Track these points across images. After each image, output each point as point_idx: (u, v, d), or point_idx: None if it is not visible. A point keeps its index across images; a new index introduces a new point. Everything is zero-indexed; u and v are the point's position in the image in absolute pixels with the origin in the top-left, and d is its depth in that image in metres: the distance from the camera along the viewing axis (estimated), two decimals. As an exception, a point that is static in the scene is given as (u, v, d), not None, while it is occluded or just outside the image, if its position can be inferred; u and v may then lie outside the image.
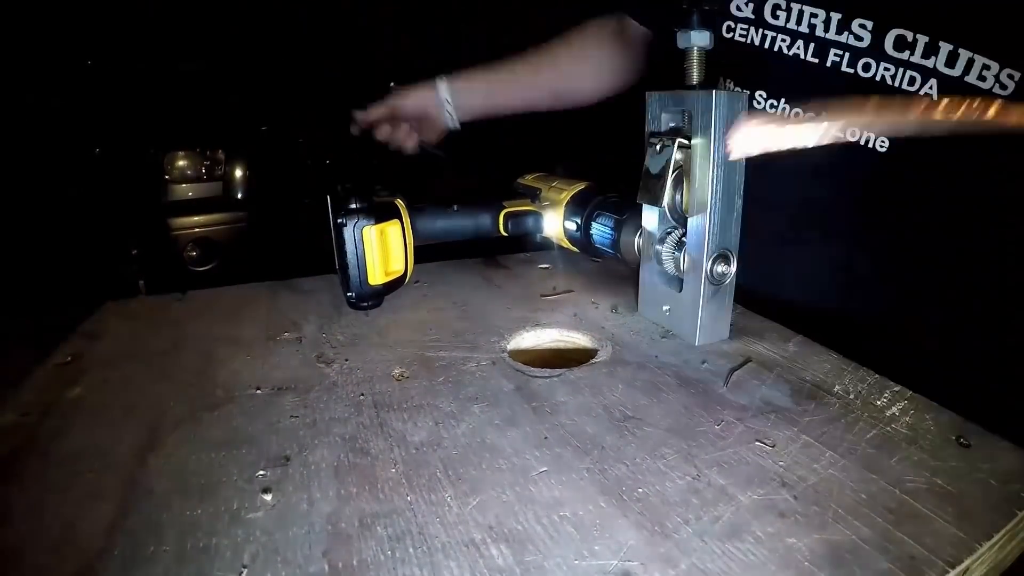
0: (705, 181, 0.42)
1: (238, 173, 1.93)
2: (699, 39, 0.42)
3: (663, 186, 0.43)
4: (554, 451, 0.32)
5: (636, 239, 0.50)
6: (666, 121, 0.45)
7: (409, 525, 0.27)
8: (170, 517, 0.28)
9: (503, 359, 0.43)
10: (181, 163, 1.89)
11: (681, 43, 0.43)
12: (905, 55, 0.45)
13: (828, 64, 0.49)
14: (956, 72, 0.43)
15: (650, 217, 0.47)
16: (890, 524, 0.26)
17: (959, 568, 0.24)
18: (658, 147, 0.43)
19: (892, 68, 0.46)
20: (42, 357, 0.45)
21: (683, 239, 0.45)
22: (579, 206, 0.57)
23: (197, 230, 1.87)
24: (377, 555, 0.25)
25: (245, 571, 0.25)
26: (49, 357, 0.45)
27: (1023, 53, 0.41)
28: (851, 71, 0.48)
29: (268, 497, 0.29)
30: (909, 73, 0.45)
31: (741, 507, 0.28)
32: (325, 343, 0.46)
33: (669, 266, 0.46)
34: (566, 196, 0.58)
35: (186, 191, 1.89)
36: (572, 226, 0.57)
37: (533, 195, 0.61)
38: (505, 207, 0.58)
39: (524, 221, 0.59)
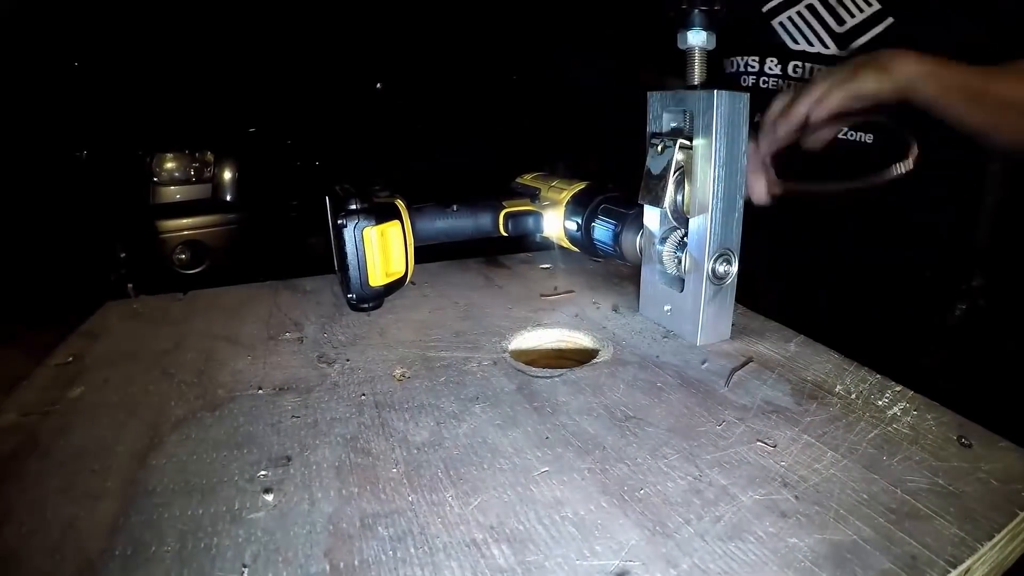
0: (706, 182, 0.42)
1: (227, 175, 1.90)
2: (699, 39, 0.43)
3: (664, 187, 0.43)
4: (555, 451, 0.32)
5: (637, 239, 0.50)
6: (667, 121, 0.45)
7: (410, 525, 0.27)
8: (171, 517, 0.28)
9: (504, 359, 0.43)
10: (169, 165, 1.86)
11: (681, 43, 0.43)
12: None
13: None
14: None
15: (651, 217, 0.47)
16: (891, 524, 0.26)
17: (960, 568, 0.24)
18: (659, 148, 0.43)
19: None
20: (41, 357, 0.45)
21: (684, 239, 0.45)
22: (579, 206, 0.56)
23: (186, 232, 1.84)
24: (378, 555, 0.25)
25: (246, 571, 0.25)
26: (49, 357, 0.45)
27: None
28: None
29: (269, 497, 0.29)
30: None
31: (742, 507, 0.28)
32: (326, 343, 0.46)
33: (670, 266, 0.46)
34: (566, 196, 0.58)
35: (174, 193, 1.86)
36: (573, 226, 0.57)
37: (532, 195, 0.61)
38: (505, 207, 0.58)
39: (524, 221, 0.59)
